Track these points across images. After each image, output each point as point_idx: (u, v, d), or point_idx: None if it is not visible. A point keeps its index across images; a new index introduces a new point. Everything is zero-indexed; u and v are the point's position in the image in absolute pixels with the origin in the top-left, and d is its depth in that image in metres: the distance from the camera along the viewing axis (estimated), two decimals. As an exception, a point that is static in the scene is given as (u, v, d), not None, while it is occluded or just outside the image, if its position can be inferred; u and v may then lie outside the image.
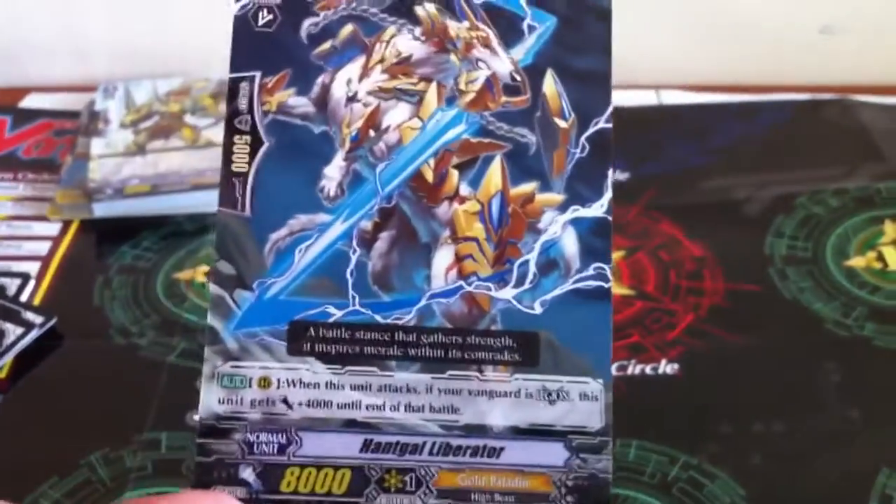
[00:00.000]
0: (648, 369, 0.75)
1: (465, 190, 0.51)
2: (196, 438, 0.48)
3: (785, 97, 1.05)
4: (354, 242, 0.50)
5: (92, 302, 0.83)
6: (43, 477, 0.67)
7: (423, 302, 0.50)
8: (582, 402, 0.49)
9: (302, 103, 0.51)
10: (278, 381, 0.49)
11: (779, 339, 0.78)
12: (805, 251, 0.85)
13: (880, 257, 0.84)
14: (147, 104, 1.02)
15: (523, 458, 0.48)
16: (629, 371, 0.75)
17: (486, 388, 0.49)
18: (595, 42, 0.51)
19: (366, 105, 0.51)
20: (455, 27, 0.51)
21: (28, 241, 0.89)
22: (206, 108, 0.98)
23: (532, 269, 0.50)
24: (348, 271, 0.49)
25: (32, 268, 0.86)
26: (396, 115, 0.51)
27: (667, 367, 0.75)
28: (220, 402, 0.48)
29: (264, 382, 0.49)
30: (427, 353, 0.49)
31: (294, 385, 0.49)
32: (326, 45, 0.51)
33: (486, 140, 0.51)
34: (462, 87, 0.51)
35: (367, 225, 0.50)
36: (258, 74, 0.50)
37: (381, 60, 0.51)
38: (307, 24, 0.51)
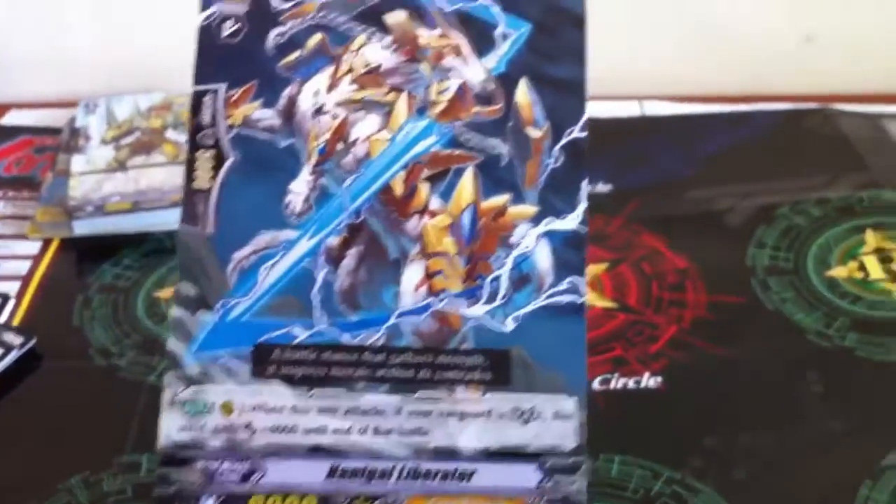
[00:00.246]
0: (631, 383, 0.72)
1: (435, 203, 0.48)
2: (157, 468, 0.45)
3: (767, 107, 1.02)
4: (321, 260, 0.47)
5: (72, 322, 0.79)
6: (21, 501, 0.65)
7: (392, 320, 0.47)
8: (555, 421, 0.46)
9: (268, 116, 0.48)
10: (242, 405, 0.46)
11: (762, 350, 0.74)
12: (787, 262, 0.82)
13: (862, 267, 0.81)
14: (128, 120, 0.98)
15: (495, 482, 0.46)
16: (612, 385, 0.72)
17: (457, 408, 0.46)
18: (570, 49, 0.49)
19: (334, 117, 0.48)
20: (426, 35, 0.49)
21: (7, 261, 0.85)
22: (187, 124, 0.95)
23: (504, 284, 0.47)
24: (315, 290, 0.47)
25: (12, 287, 0.82)
26: (365, 126, 0.48)
27: (650, 381, 0.72)
28: (180, 429, 0.46)
29: (227, 408, 0.46)
30: (396, 374, 0.46)
31: (258, 410, 0.46)
32: (293, 56, 0.48)
33: (458, 151, 0.48)
34: (433, 97, 0.48)
35: (334, 241, 0.47)
36: (223, 87, 0.48)
37: (350, 71, 0.48)
38: (274, 35, 0.48)
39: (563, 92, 0.48)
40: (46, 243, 0.86)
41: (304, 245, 0.47)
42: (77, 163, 0.92)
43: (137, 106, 0.99)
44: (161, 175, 0.87)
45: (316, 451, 0.45)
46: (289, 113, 0.48)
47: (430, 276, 0.47)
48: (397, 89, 0.48)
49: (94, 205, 0.86)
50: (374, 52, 0.48)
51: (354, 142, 0.48)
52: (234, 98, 0.47)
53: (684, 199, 0.89)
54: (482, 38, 0.49)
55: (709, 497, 0.63)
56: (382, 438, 0.46)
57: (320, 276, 0.47)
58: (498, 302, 0.47)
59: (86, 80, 1.06)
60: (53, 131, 0.99)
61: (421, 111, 0.48)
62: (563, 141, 0.48)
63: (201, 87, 0.47)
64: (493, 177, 0.48)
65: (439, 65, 0.48)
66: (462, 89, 0.48)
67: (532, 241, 0.47)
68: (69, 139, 0.96)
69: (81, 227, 0.86)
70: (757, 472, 0.65)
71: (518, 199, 0.48)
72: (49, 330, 0.77)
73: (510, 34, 0.48)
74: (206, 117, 0.47)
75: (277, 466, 0.45)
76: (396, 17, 0.48)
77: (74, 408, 0.71)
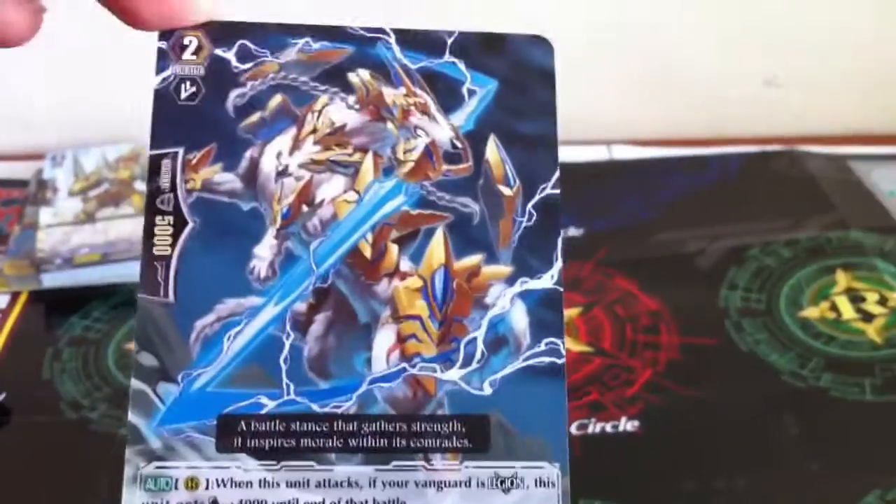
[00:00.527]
0: (609, 427, 0.71)
1: (406, 265, 0.45)
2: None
3: (734, 150, 1.02)
4: (288, 326, 0.44)
5: (41, 375, 0.77)
6: (-7, 558, 0.62)
7: (363, 387, 0.43)
8: (538, 489, 0.43)
9: (229, 179, 0.44)
10: (207, 481, 0.42)
11: (737, 392, 0.74)
12: (759, 303, 0.81)
13: (833, 307, 0.81)
14: (96, 171, 0.96)
15: None
16: (589, 430, 0.70)
17: (435, 478, 0.43)
18: (539, 105, 0.46)
19: (297, 179, 0.45)
20: (391, 94, 0.45)
21: (-25, 315, 0.83)
22: (155, 175, 0.93)
23: (480, 347, 0.44)
24: (282, 358, 0.43)
25: (-20, 342, 0.80)
26: (331, 188, 0.45)
27: (627, 425, 0.71)
28: None
29: (192, 483, 0.42)
30: (369, 443, 0.43)
31: (224, 485, 0.42)
32: (254, 117, 0.45)
33: (427, 211, 0.45)
34: (400, 156, 0.45)
35: (301, 307, 0.44)
36: (181, 150, 0.44)
37: (314, 131, 0.45)
38: (233, 96, 0.45)
39: (534, 149, 0.45)
40: (14, 296, 0.84)
41: (270, 311, 0.43)
42: (45, 215, 0.90)
43: (105, 157, 0.97)
44: (130, 226, 0.86)
45: None
46: (251, 176, 0.44)
47: (402, 340, 0.44)
48: (363, 149, 0.45)
49: (62, 257, 0.84)
50: (338, 111, 0.45)
51: (320, 204, 0.44)
52: (193, 162, 0.44)
53: (655, 241, 0.88)
54: (449, 96, 0.46)
55: (688, 541, 0.60)
56: None
57: (287, 344, 0.43)
58: (474, 365, 0.44)
59: (52, 132, 1.04)
60: (20, 183, 0.98)
61: (388, 171, 0.45)
62: (536, 198, 0.45)
63: (159, 151, 0.44)
64: (465, 236, 0.45)
65: (406, 123, 0.45)
66: (430, 148, 0.45)
67: (507, 302, 0.44)
68: (36, 191, 0.94)
69: (50, 280, 0.84)
70: (735, 515, 0.62)
71: (492, 258, 0.44)
72: (18, 384, 0.76)
73: (477, 91, 0.45)
74: (164, 182, 0.44)
75: (246, 546, 0.41)
76: (360, 76, 0.45)
77: (45, 462, 0.69)
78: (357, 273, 0.44)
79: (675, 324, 0.79)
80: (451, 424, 0.43)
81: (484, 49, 0.46)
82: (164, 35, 0.45)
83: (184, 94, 0.45)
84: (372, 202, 0.45)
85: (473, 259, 0.44)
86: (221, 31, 0.45)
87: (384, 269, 0.44)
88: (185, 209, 0.44)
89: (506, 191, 0.45)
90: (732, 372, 0.75)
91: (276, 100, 0.45)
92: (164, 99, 0.45)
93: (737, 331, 0.78)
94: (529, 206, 0.45)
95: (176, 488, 0.42)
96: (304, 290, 0.44)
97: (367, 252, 0.44)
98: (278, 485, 0.42)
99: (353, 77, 0.46)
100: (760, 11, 1.04)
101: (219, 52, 0.45)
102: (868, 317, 0.79)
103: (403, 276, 0.44)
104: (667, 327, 0.79)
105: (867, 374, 0.74)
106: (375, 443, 0.43)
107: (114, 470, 0.67)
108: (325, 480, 0.42)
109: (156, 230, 0.44)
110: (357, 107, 0.45)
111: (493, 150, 0.45)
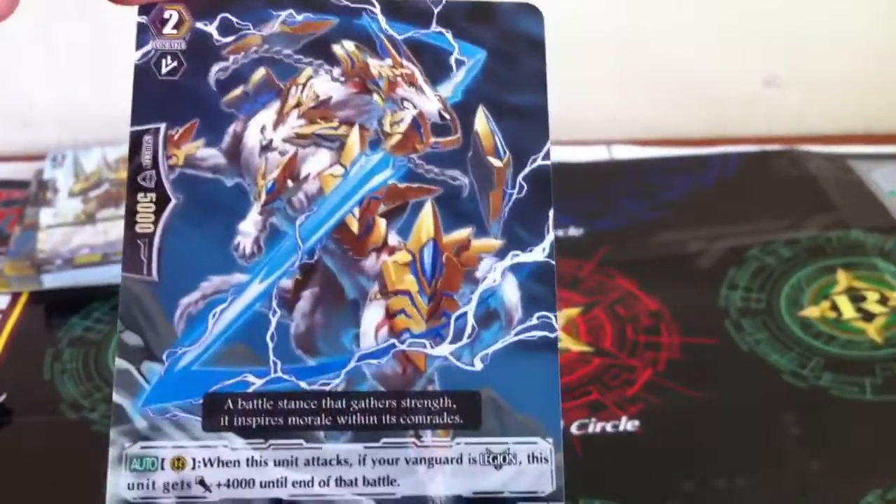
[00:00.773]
0: (609, 427, 0.69)
1: (394, 240, 0.43)
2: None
3: (733, 149, 1.00)
4: (274, 303, 0.42)
5: (42, 376, 0.76)
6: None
7: (351, 364, 0.42)
8: (531, 465, 0.42)
9: (212, 154, 0.43)
10: (194, 460, 0.41)
11: (737, 392, 0.72)
12: (759, 303, 0.80)
13: (834, 307, 0.79)
14: (96, 172, 0.96)
15: None
16: (590, 430, 0.69)
17: (425, 455, 0.41)
18: (529, 75, 0.45)
19: (282, 153, 0.44)
20: (377, 65, 0.44)
21: (-25, 316, 0.82)
22: (155, 174, 0.93)
23: (470, 321, 0.43)
24: (268, 335, 0.42)
25: (-20, 343, 0.79)
26: (316, 162, 0.44)
27: (627, 425, 0.70)
28: (129, 487, 0.41)
29: (178, 463, 0.41)
30: (358, 421, 0.42)
31: (211, 464, 0.41)
32: (237, 91, 0.44)
33: (415, 185, 0.44)
34: (387, 129, 0.44)
35: (287, 283, 0.43)
36: (163, 126, 0.43)
37: (298, 105, 0.44)
38: (216, 70, 0.44)
39: (524, 120, 0.44)
40: (15, 297, 0.83)
41: (256, 288, 0.42)
42: (45, 216, 0.90)
43: (105, 158, 0.96)
44: None
45: None
46: (234, 151, 0.43)
47: (391, 315, 0.43)
48: (349, 122, 0.44)
49: (62, 258, 0.84)
50: (323, 84, 0.44)
51: (305, 178, 0.43)
52: (175, 137, 0.43)
53: (655, 241, 0.87)
54: (436, 67, 0.44)
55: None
56: (347, 490, 0.41)
57: (274, 321, 0.42)
58: (464, 341, 0.42)
59: (52, 133, 1.03)
60: (21, 184, 0.97)
61: (374, 144, 0.44)
62: (527, 170, 0.44)
63: (140, 127, 0.42)
64: (454, 210, 0.43)
65: (392, 95, 0.44)
66: (417, 120, 0.44)
67: (498, 276, 0.43)
68: (37, 192, 0.93)
69: (51, 281, 0.83)
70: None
71: (482, 232, 0.43)
72: (19, 384, 0.74)
73: (465, 62, 0.44)
74: (146, 158, 0.43)
75: (234, 525, 0.40)
76: (345, 47, 0.44)
77: (46, 463, 0.68)
78: (344, 248, 0.43)
79: (676, 324, 0.78)
80: (441, 401, 0.42)
81: (472, 18, 0.45)
82: (145, 9, 0.44)
83: (165, 69, 0.44)
84: (358, 176, 0.43)
85: (463, 232, 0.43)
86: (203, 4, 0.44)
87: (372, 244, 0.43)
88: (167, 186, 0.43)
89: (495, 162, 0.44)
90: (733, 372, 0.74)
91: (260, 73, 0.44)
92: (144, 74, 0.44)
93: (737, 330, 0.77)
94: (520, 177, 0.44)
95: (162, 468, 0.41)
96: (290, 267, 0.43)
97: (355, 227, 0.43)
98: (266, 463, 0.41)
99: (337, 49, 0.44)
100: (760, 11, 1.04)
101: (200, 25, 0.44)
102: (868, 316, 0.78)
103: (392, 251, 0.43)
104: (667, 327, 0.77)
105: (867, 374, 0.72)
106: (365, 420, 0.41)
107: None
108: (313, 458, 0.41)
109: (138, 207, 0.42)
110: (342, 79, 0.44)
111: (483, 122, 0.44)
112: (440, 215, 0.43)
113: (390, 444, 0.41)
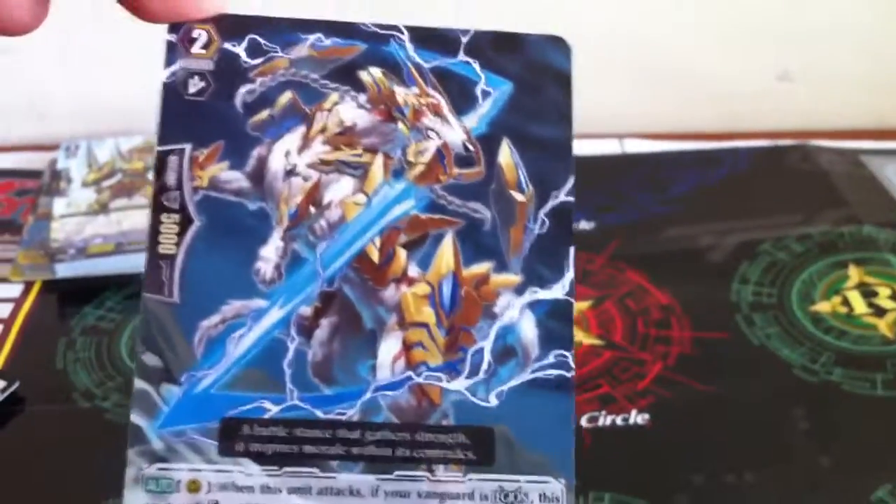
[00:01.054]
0: (619, 420, 0.69)
1: (413, 271, 0.43)
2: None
3: (746, 144, 0.99)
4: (293, 330, 0.42)
5: (55, 365, 0.75)
6: (6, 547, 0.61)
7: (367, 395, 0.42)
8: None
9: (236, 178, 0.42)
10: (209, 484, 0.41)
11: (748, 386, 0.72)
12: (770, 297, 0.79)
13: (845, 302, 0.79)
14: (109, 162, 0.95)
15: None
16: (600, 422, 0.69)
17: (438, 489, 0.41)
18: (554, 108, 0.43)
19: (305, 179, 0.43)
20: (403, 93, 0.43)
21: (-11, 304, 0.82)
22: (168, 166, 0.92)
23: (487, 357, 0.42)
24: (286, 362, 0.41)
25: (-7, 331, 0.79)
26: (339, 189, 0.43)
27: (637, 418, 0.69)
28: None
29: (193, 486, 0.41)
30: (372, 452, 0.41)
31: (226, 489, 0.41)
32: (263, 115, 0.43)
33: (437, 216, 0.43)
34: (411, 158, 0.43)
35: (306, 311, 0.42)
36: (188, 147, 0.42)
37: (323, 130, 0.43)
38: (242, 92, 0.43)
39: (548, 154, 0.43)
40: (28, 286, 0.83)
41: (275, 314, 0.42)
42: (59, 205, 0.89)
43: (118, 148, 0.95)
44: (143, 217, 0.84)
45: None
46: (258, 175, 0.42)
47: (408, 347, 0.42)
48: (372, 150, 0.43)
49: (76, 247, 0.83)
50: (349, 110, 0.43)
51: (328, 205, 0.43)
52: (200, 159, 0.42)
53: (666, 236, 0.86)
54: (462, 97, 0.44)
55: (697, 534, 0.59)
56: None
57: (292, 348, 0.41)
58: (481, 376, 0.42)
59: (66, 123, 1.02)
60: (34, 174, 0.96)
61: (398, 173, 0.43)
62: (549, 205, 0.43)
63: (166, 147, 0.41)
64: (475, 243, 0.43)
65: (417, 124, 0.43)
66: (441, 150, 0.43)
67: (516, 313, 0.42)
68: (50, 182, 0.93)
69: (64, 270, 0.82)
70: (745, 509, 0.61)
71: (501, 266, 0.42)
72: (32, 373, 0.74)
73: (491, 93, 0.43)
74: (170, 179, 0.42)
75: (246, 552, 0.40)
76: (372, 74, 0.43)
77: (58, 451, 0.68)
78: (364, 278, 0.42)
79: (687, 318, 0.77)
80: (455, 436, 0.41)
81: (499, 49, 0.44)
82: (174, 28, 0.43)
83: (192, 89, 0.43)
84: (381, 205, 0.43)
85: (483, 266, 0.42)
86: (232, 25, 0.43)
87: (392, 275, 0.42)
88: (191, 208, 0.42)
89: (518, 197, 0.43)
90: (743, 366, 0.73)
91: (286, 97, 0.43)
92: (171, 93, 0.43)
93: (748, 325, 0.76)
94: (542, 213, 0.43)
95: (178, 490, 0.41)
96: (309, 294, 0.42)
97: (375, 256, 0.42)
98: (280, 491, 0.40)
99: (364, 75, 0.43)
100: (773, 6, 1.02)
101: (228, 46, 0.43)
102: (880, 311, 0.77)
103: (411, 282, 0.42)
104: (678, 321, 0.77)
105: (878, 369, 0.72)
106: (378, 452, 0.41)
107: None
108: (326, 488, 0.41)
109: (161, 228, 0.42)
110: (368, 106, 0.43)
111: (507, 155, 0.43)
112: (460, 248, 0.42)
113: (403, 476, 0.41)
